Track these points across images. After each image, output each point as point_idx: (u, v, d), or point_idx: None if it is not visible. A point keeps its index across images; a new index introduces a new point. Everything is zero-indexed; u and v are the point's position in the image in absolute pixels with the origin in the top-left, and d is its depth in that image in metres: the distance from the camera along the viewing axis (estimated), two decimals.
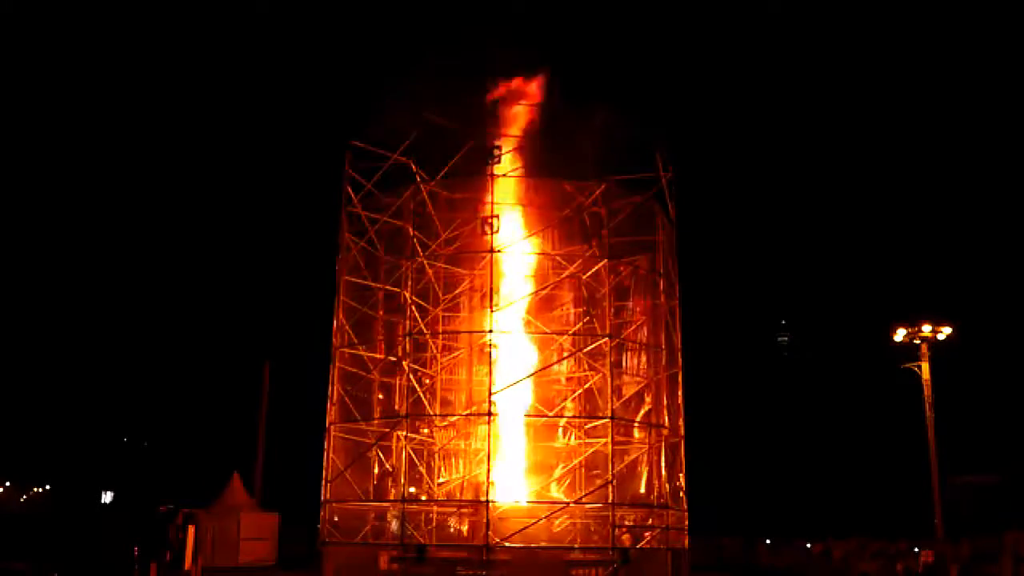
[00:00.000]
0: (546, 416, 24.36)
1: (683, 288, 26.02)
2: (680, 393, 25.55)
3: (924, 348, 36.33)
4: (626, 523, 23.47)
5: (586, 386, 24.63)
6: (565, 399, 25.02)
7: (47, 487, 67.37)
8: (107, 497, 63.12)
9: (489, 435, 22.20)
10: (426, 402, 23.96)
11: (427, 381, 24.67)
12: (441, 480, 25.20)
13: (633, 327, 25.63)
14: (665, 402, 25.02)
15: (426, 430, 25.01)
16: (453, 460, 25.71)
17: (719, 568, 37.17)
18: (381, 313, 25.32)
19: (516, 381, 23.08)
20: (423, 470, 24.36)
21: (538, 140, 24.36)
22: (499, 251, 23.11)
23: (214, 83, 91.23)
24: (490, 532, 20.89)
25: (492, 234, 22.78)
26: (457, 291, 25.71)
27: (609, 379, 22.91)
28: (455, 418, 24.98)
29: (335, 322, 24.78)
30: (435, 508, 24.87)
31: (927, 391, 35.99)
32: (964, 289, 63.50)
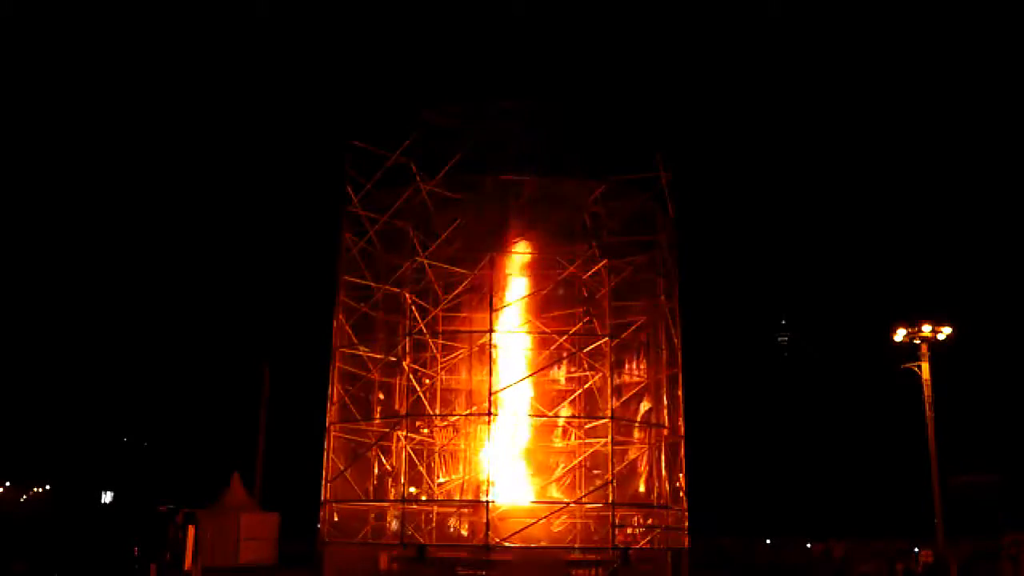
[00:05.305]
0: (546, 416, 24.35)
1: (683, 288, 26.02)
2: (680, 393, 25.51)
3: (924, 348, 36.33)
4: (628, 527, 23.47)
5: (586, 386, 24.61)
6: (565, 399, 25.00)
7: (47, 487, 67.28)
8: (107, 497, 63.10)
9: (489, 435, 22.19)
10: (426, 402, 23.94)
11: (427, 381, 24.64)
12: (441, 480, 25.19)
13: (633, 327, 25.60)
14: (665, 402, 24.99)
15: (426, 430, 25.00)
16: (453, 460, 25.69)
17: (719, 568, 37.17)
18: (381, 313, 25.29)
19: (516, 381, 23.08)
20: (423, 470, 24.34)
21: (538, 140, 24.32)
22: (499, 252, 23.12)
23: (215, 84, 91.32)
24: (490, 532, 20.86)
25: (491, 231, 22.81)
26: (457, 291, 25.68)
27: (609, 379, 22.89)
28: (455, 418, 24.97)
29: (335, 322, 24.75)
30: (435, 508, 24.83)
31: (927, 391, 35.98)
32: (964, 289, 63.58)
